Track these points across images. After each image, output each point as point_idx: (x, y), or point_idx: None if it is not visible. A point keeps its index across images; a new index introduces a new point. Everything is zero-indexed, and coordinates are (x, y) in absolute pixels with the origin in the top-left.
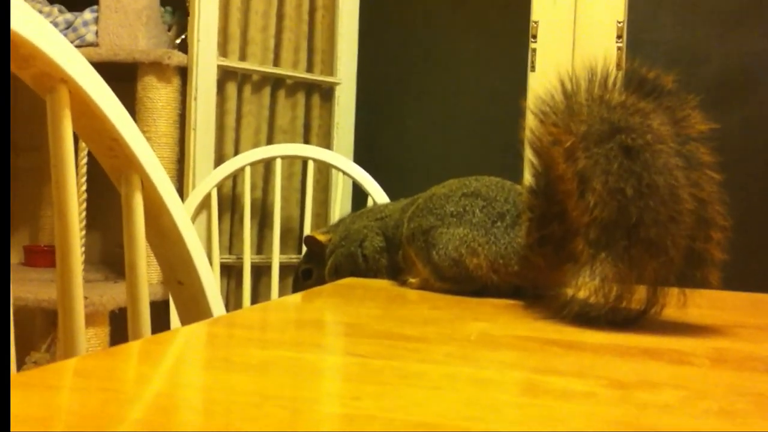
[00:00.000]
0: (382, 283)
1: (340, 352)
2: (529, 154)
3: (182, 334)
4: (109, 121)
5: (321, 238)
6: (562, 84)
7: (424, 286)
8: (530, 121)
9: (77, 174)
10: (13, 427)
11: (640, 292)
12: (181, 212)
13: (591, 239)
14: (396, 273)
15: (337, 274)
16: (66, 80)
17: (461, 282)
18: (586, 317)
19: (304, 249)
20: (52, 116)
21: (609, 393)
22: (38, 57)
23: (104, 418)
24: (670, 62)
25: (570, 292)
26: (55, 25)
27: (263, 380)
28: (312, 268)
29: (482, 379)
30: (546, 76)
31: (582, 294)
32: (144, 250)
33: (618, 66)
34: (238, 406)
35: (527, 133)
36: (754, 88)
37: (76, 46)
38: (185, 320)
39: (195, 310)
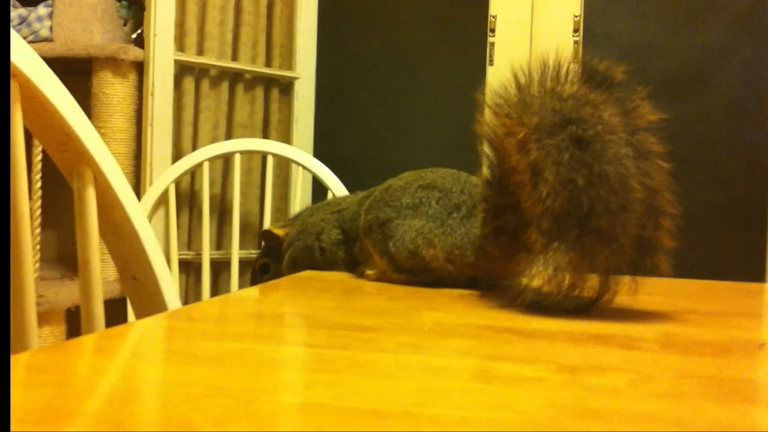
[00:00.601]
0: (339, 276)
1: (294, 344)
2: (484, 147)
3: (137, 328)
4: (60, 115)
5: (278, 232)
6: (516, 77)
7: (381, 278)
8: (486, 114)
9: (32, 171)
10: None
11: (593, 281)
12: (134, 206)
13: (544, 229)
14: (353, 265)
15: (295, 267)
16: (16, 75)
17: (418, 273)
18: (540, 306)
19: (263, 244)
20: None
21: (558, 377)
22: None
23: (56, 412)
24: (625, 56)
25: (524, 281)
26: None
27: (217, 372)
28: (269, 263)
29: (434, 367)
30: (503, 70)
31: (536, 283)
32: (97, 245)
33: (574, 59)
34: (191, 397)
35: (483, 126)
36: (707, 81)
37: (30, 42)
38: (141, 316)
39: (150, 305)
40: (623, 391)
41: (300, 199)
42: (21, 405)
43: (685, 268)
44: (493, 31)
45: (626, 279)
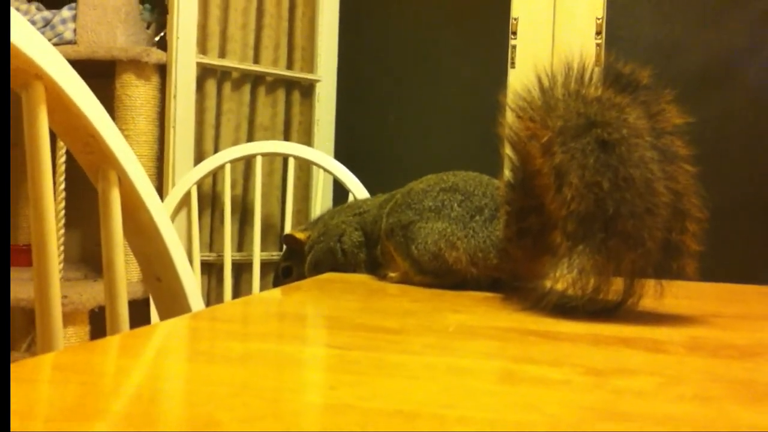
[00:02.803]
0: (362, 278)
1: (318, 344)
2: (506, 150)
3: (162, 328)
4: (85, 116)
5: (300, 235)
6: (539, 79)
7: (403, 280)
8: (508, 117)
9: (56, 173)
10: None
11: (618, 284)
12: (158, 208)
13: (568, 232)
14: (374, 268)
15: (317, 269)
16: (41, 76)
17: (441, 276)
18: (564, 308)
19: (284, 247)
20: (28, 112)
21: (584, 380)
22: (12, 53)
23: (84, 411)
24: (648, 57)
25: (548, 284)
26: (33, 23)
27: (242, 372)
28: (292, 266)
29: (460, 368)
30: (525, 73)
31: (560, 286)
32: (122, 246)
33: (597, 62)
34: (216, 396)
35: (505, 129)
36: (732, 81)
37: (55, 44)
38: (165, 317)
39: (174, 306)
40: (651, 394)
41: (321, 201)
42: (49, 404)
43: (712, 272)
44: (515, 33)
45: (652, 282)
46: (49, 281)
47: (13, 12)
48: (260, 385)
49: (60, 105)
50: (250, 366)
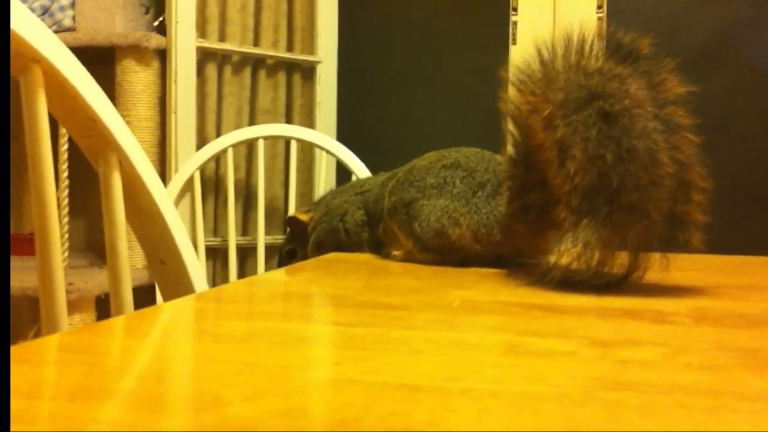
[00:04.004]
0: (365, 257)
1: (322, 322)
2: (508, 125)
3: (166, 309)
4: (84, 99)
5: (303, 217)
6: (539, 52)
7: (407, 259)
8: (509, 92)
9: (58, 161)
10: None
11: (623, 257)
12: (160, 190)
13: (573, 206)
14: (377, 247)
15: (320, 249)
16: (39, 60)
17: (444, 253)
18: (569, 283)
19: (288, 229)
20: (27, 97)
21: (590, 351)
22: (10, 38)
23: (89, 390)
24: (651, 30)
25: (552, 258)
26: (32, 11)
27: (247, 350)
28: (296, 248)
29: (464, 343)
30: (527, 49)
31: (564, 260)
32: (124, 229)
33: (599, 36)
34: (221, 374)
35: (507, 104)
36: (735, 54)
37: (54, 32)
38: (169, 300)
39: (179, 289)
40: (657, 363)
41: (324, 183)
42: (53, 383)
43: (717, 243)
44: (515, 9)
45: (657, 255)
46: (53, 267)
47: None
48: (265, 362)
49: (58, 88)
50: (255, 344)
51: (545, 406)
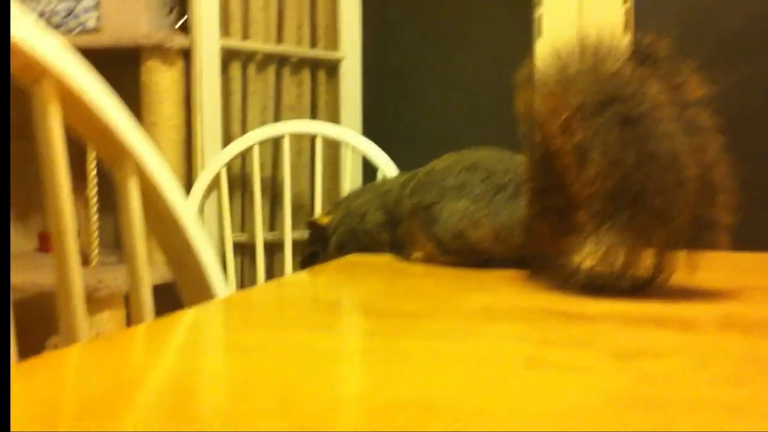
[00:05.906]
0: (385, 259)
1: (336, 331)
2: (526, 128)
3: (187, 316)
4: (98, 108)
5: (322, 220)
6: (557, 55)
7: (427, 260)
8: (527, 94)
9: (86, 159)
10: (16, 412)
11: (648, 259)
12: (178, 195)
13: (595, 211)
14: (398, 248)
15: (341, 251)
16: (50, 71)
17: (465, 255)
18: (593, 286)
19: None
20: (38, 108)
21: (610, 365)
22: (20, 50)
23: (109, 403)
24: (679, 22)
25: (576, 261)
26: (56, 13)
27: (265, 361)
28: (318, 251)
29: (480, 354)
30: (553, 43)
31: (588, 263)
32: (143, 236)
33: (626, 28)
34: (230, 389)
35: (524, 107)
36: (765, 46)
37: (78, 33)
38: (190, 303)
39: (198, 293)
40: (680, 377)
41: (350, 178)
42: (76, 396)
43: (745, 242)
44: (541, 2)
45: (683, 255)
46: (70, 273)
47: (18, 8)
48: (274, 377)
49: (71, 99)
50: (274, 355)
51: (563, 425)
